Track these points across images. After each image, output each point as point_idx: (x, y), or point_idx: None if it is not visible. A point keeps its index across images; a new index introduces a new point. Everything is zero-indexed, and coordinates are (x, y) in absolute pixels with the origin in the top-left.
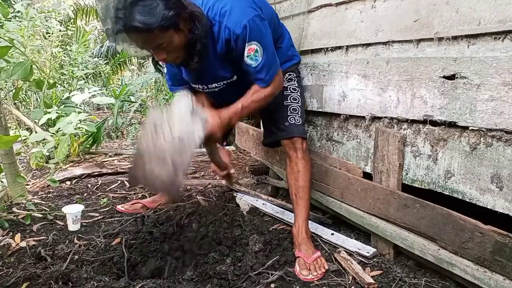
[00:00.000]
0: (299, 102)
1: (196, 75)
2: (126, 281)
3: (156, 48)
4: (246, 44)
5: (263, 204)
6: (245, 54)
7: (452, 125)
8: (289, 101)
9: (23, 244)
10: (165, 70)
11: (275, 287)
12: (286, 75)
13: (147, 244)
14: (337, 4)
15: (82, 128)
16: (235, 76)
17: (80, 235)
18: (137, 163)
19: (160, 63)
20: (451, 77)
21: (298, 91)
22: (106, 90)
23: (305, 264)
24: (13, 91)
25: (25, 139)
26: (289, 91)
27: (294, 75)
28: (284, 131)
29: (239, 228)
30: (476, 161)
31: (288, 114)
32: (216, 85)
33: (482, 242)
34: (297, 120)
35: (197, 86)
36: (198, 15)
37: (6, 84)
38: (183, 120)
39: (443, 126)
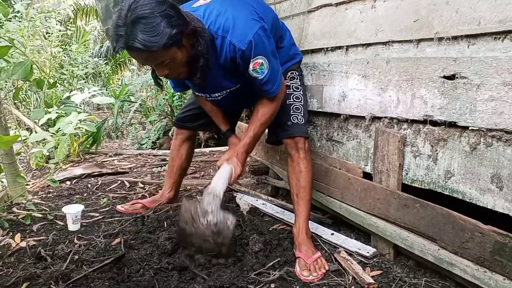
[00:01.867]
0: (302, 101)
1: (200, 86)
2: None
3: (158, 65)
4: (252, 60)
5: (263, 204)
6: (251, 68)
7: (452, 125)
8: (291, 100)
9: (23, 244)
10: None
11: (275, 287)
12: (289, 73)
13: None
14: (337, 4)
15: (82, 128)
16: (239, 85)
17: (80, 235)
18: (182, 235)
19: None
20: (451, 77)
21: (300, 89)
22: (106, 90)
23: (306, 264)
24: (13, 91)
25: (25, 139)
26: (292, 90)
27: (297, 73)
28: (287, 131)
29: (239, 228)
30: (476, 161)
31: (291, 113)
32: (219, 94)
33: (482, 242)
34: (300, 119)
35: (200, 95)
36: (200, 31)
37: (6, 84)
38: (214, 213)
39: (443, 126)
